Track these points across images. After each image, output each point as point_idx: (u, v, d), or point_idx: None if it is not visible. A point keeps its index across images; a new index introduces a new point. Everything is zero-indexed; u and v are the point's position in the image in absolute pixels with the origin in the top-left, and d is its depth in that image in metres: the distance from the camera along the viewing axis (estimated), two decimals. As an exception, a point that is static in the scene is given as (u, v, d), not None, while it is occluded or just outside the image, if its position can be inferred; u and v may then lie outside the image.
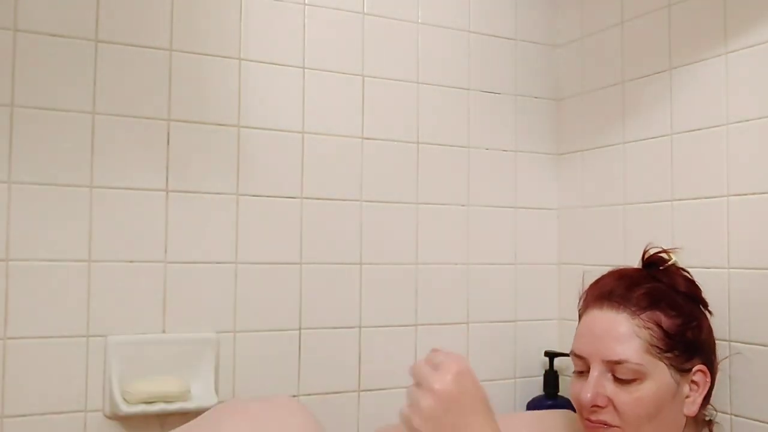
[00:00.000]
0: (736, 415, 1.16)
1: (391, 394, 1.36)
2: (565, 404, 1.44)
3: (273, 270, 1.28)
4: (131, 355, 1.16)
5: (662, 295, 1.06)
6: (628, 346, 1.02)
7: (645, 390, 1.01)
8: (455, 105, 1.47)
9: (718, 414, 1.17)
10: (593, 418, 1.03)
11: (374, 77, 1.39)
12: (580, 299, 1.14)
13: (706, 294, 1.19)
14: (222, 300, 1.24)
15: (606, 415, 1.02)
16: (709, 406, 1.10)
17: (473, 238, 1.47)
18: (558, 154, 1.58)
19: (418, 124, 1.43)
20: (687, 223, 1.26)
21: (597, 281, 1.12)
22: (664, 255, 1.14)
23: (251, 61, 1.29)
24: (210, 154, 1.25)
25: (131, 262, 1.18)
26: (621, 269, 1.13)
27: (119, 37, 1.19)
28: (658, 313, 1.03)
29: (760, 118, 1.15)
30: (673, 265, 1.13)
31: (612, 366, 1.02)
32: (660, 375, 1.01)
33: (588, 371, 1.05)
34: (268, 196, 1.29)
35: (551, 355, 1.47)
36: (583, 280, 1.15)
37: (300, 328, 1.30)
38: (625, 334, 1.02)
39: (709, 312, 1.12)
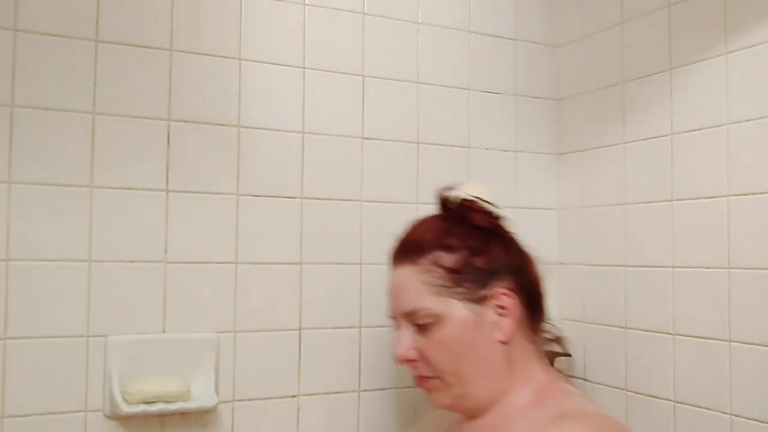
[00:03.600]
0: (736, 416, 1.16)
1: (392, 393, 1.36)
2: (565, 404, 1.44)
3: (273, 270, 1.28)
4: (131, 355, 1.16)
5: (441, 235, 1.06)
6: (416, 295, 1.03)
7: (443, 331, 1.02)
8: (455, 105, 1.47)
9: (719, 414, 1.17)
10: (415, 374, 1.06)
11: (374, 77, 1.39)
12: None
13: (708, 293, 1.19)
14: (222, 300, 1.24)
15: (422, 368, 1.04)
16: (547, 324, 1.10)
17: (473, 238, 1.47)
18: (558, 154, 1.58)
19: (418, 124, 1.43)
20: (687, 223, 1.26)
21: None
22: (452, 193, 1.13)
23: (251, 61, 1.29)
24: (210, 154, 1.25)
25: (131, 262, 1.18)
26: (415, 222, 1.13)
27: (119, 37, 1.19)
28: (438, 253, 1.04)
29: (760, 118, 1.15)
30: (463, 200, 1.11)
31: (410, 318, 1.05)
32: (455, 312, 1.02)
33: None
34: (268, 196, 1.29)
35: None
36: None
37: (300, 328, 1.30)
38: (411, 284, 1.05)
39: (503, 232, 1.10)
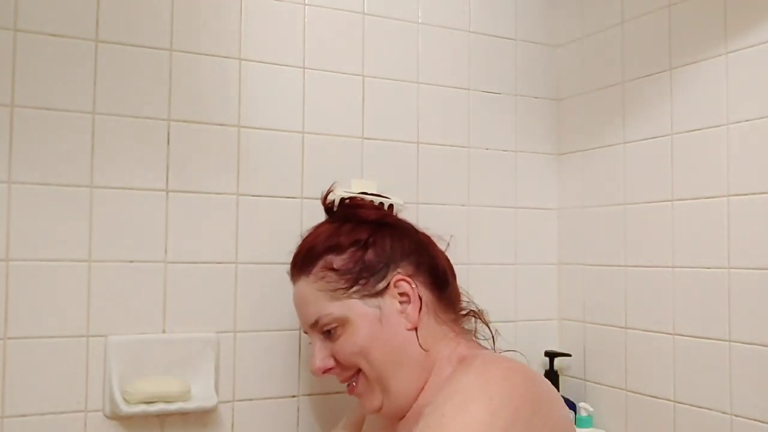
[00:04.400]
0: (736, 416, 1.16)
1: (391, 394, 1.36)
2: (566, 404, 1.44)
3: (273, 270, 1.28)
4: (131, 355, 1.16)
5: (328, 238, 1.05)
6: (316, 304, 1.02)
7: (348, 333, 1.00)
8: (455, 105, 1.47)
9: (719, 414, 1.17)
10: (340, 380, 1.04)
11: (374, 77, 1.39)
12: None
13: (708, 293, 1.19)
14: (222, 300, 1.24)
15: (343, 373, 1.03)
16: (464, 300, 1.08)
17: (473, 238, 1.47)
18: (558, 154, 1.58)
19: (418, 124, 1.43)
20: (687, 223, 1.26)
21: None
22: (332, 195, 1.12)
23: (251, 61, 1.29)
24: (210, 154, 1.25)
25: (131, 262, 1.18)
26: (304, 233, 1.11)
27: (119, 37, 1.19)
28: (328, 257, 1.03)
29: (760, 118, 1.15)
30: (343, 199, 1.11)
31: (317, 328, 1.03)
32: (355, 311, 1.00)
33: None
34: (268, 196, 1.29)
35: (551, 355, 1.47)
36: None
37: (300, 328, 1.30)
38: (309, 295, 1.03)
39: (391, 220, 1.10)
